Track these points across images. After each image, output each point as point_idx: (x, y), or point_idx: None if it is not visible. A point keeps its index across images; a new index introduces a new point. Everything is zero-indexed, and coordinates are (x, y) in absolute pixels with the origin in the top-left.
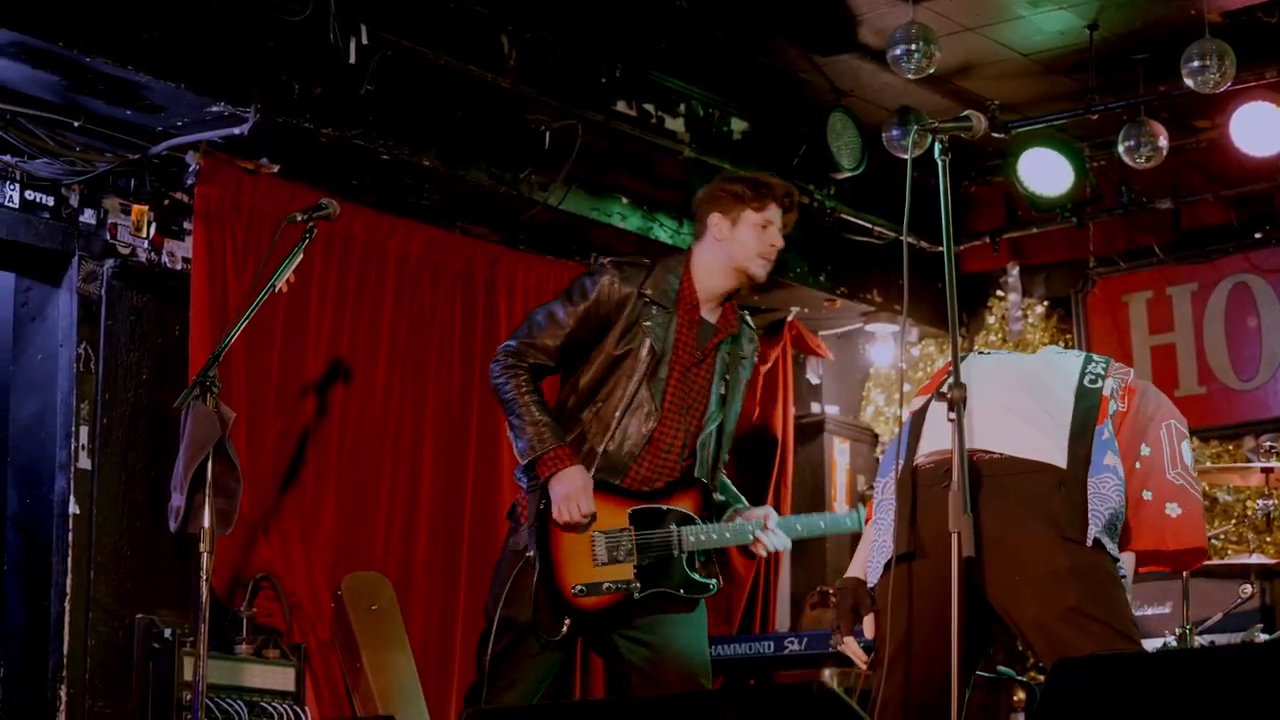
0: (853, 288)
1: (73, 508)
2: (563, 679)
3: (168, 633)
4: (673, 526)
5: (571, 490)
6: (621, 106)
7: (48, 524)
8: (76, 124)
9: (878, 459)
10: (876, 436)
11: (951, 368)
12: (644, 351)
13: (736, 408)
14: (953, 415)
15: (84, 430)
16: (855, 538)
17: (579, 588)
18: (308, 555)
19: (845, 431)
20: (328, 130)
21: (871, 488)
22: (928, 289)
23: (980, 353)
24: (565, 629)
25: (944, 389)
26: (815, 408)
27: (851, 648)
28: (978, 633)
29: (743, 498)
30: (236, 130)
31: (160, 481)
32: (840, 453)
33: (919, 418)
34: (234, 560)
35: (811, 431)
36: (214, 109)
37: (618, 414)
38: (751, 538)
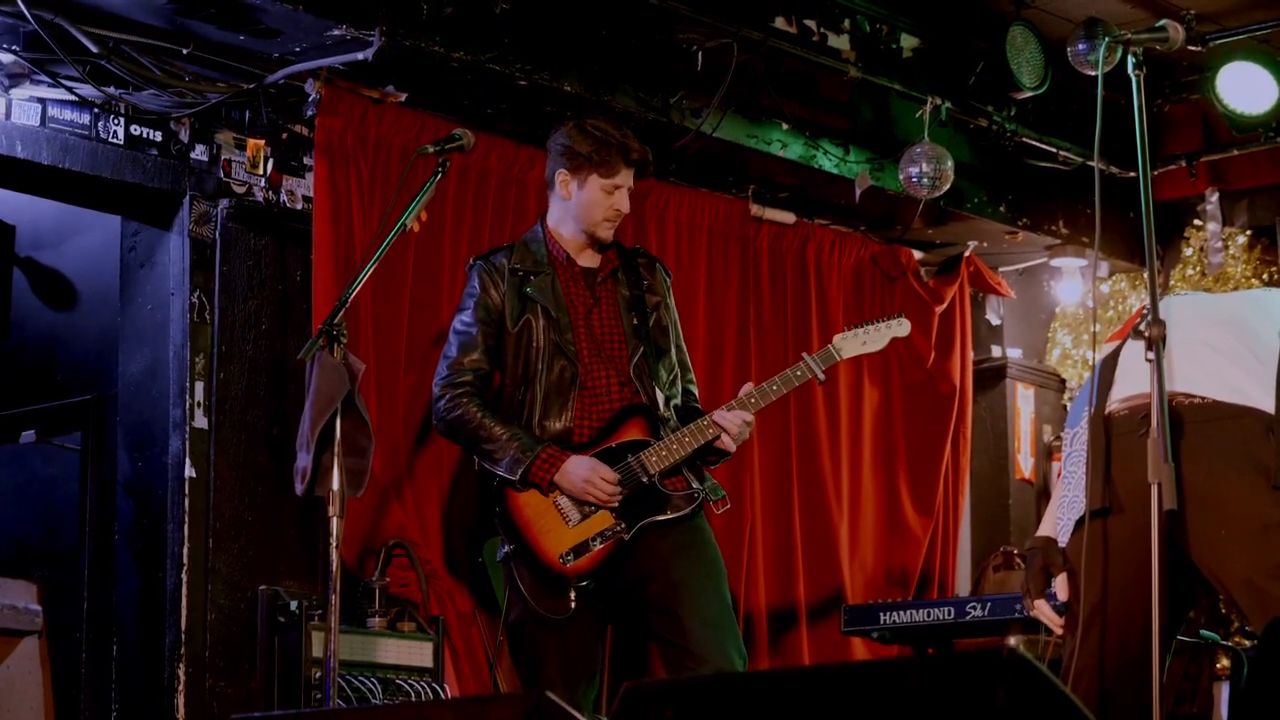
0: (1036, 219)
1: (189, 471)
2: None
3: (294, 605)
4: (629, 457)
5: (585, 474)
6: (780, 23)
7: (162, 488)
8: (185, 51)
9: (1065, 406)
10: (1064, 382)
11: (1148, 312)
12: (538, 317)
13: (671, 333)
14: (1151, 355)
15: (199, 386)
16: (1041, 495)
17: (566, 555)
18: (445, 519)
19: (1029, 377)
20: (460, 54)
21: (1059, 438)
22: (1119, 219)
23: (1177, 294)
24: (573, 602)
25: (1141, 327)
26: (996, 351)
27: (1044, 611)
28: (1179, 594)
29: None
30: (360, 55)
31: (284, 441)
32: (1024, 400)
33: (1111, 360)
34: (365, 526)
35: (992, 378)
36: (335, 32)
37: (540, 379)
38: (709, 428)
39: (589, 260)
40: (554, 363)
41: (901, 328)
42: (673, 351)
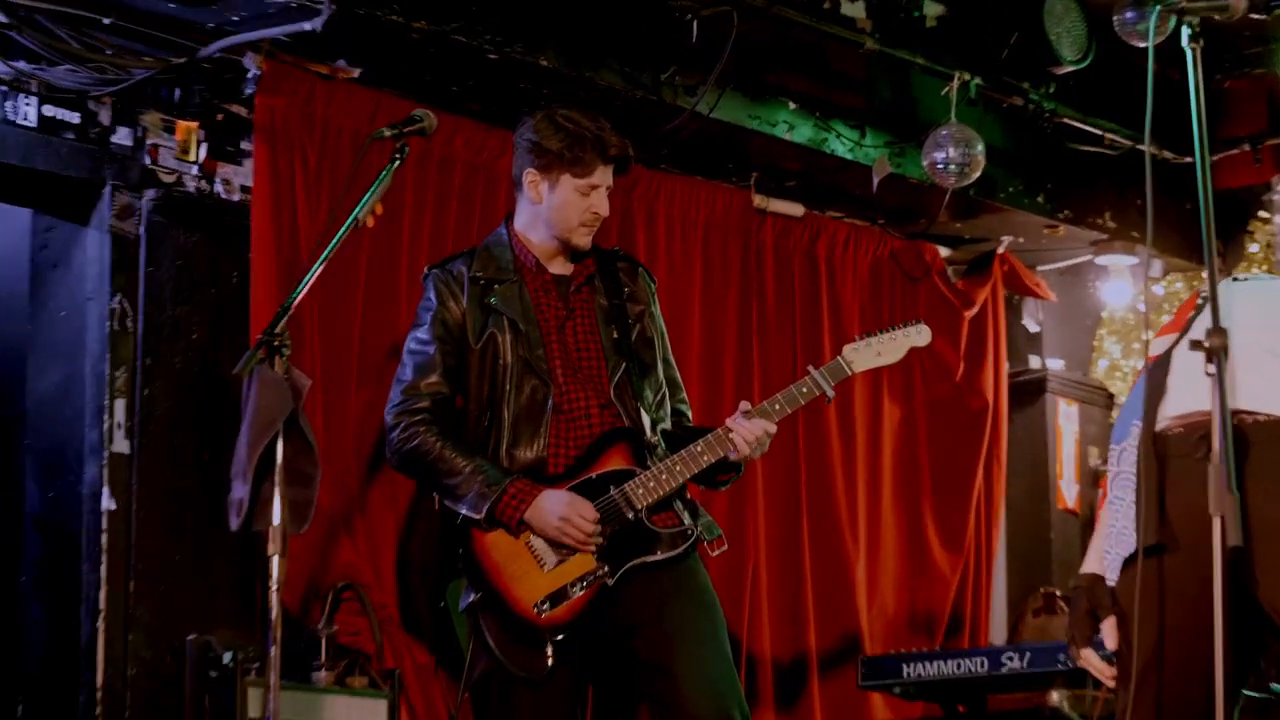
0: (1079, 211)
1: (107, 502)
2: None
3: (227, 657)
4: (612, 489)
5: (561, 511)
6: None
7: (76, 523)
8: (107, 21)
9: (1113, 424)
10: (1111, 397)
11: (1204, 301)
12: (504, 332)
13: (657, 347)
14: (1212, 368)
15: (120, 405)
16: (1086, 527)
17: (541, 604)
18: (402, 558)
19: (1072, 391)
20: (421, 24)
21: (1107, 462)
22: (1174, 210)
23: (1236, 279)
24: (550, 658)
25: (1197, 333)
26: (1034, 362)
27: (1091, 661)
28: (1246, 641)
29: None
30: (307, 25)
31: (217, 468)
32: (1066, 418)
33: (1163, 365)
34: (310, 565)
35: (1030, 392)
36: None
37: (509, 402)
38: (717, 444)
39: (561, 267)
40: (524, 383)
41: (920, 336)
42: (659, 368)
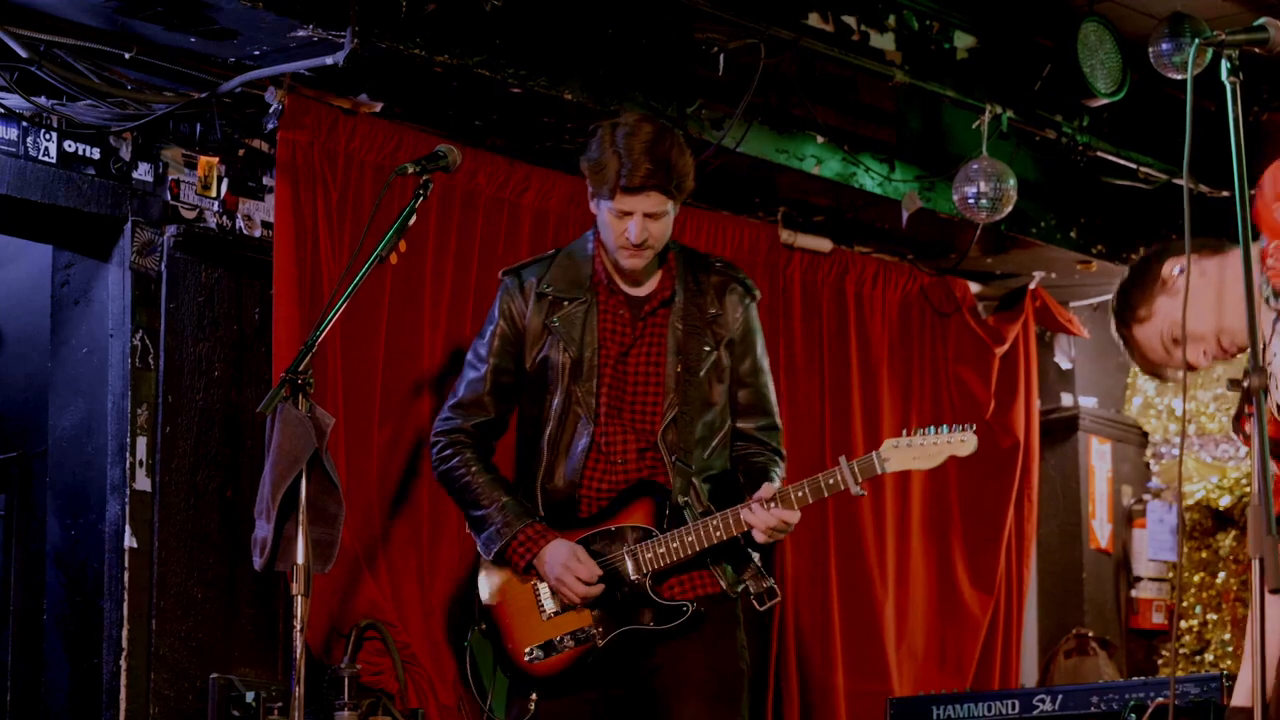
0: (1113, 246)
1: (129, 540)
2: None
3: (250, 697)
4: (624, 548)
5: (562, 562)
6: (815, 20)
7: (98, 561)
8: (128, 55)
9: (1148, 464)
10: (1145, 435)
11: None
12: (558, 355)
13: (733, 377)
14: (1250, 409)
15: (142, 442)
16: (1120, 568)
17: (533, 651)
18: (425, 597)
19: (1105, 429)
20: (444, 57)
21: (1140, 501)
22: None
23: None
24: (533, 705)
25: (1242, 377)
26: (1067, 399)
27: None
28: None
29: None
30: (329, 59)
31: (240, 506)
32: (1099, 457)
33: None
34: (333, 605)
35: (1062, 429)
36: (300, 33)
37: (548, 436)
38: (733, 526)
39: (633, 285)
40: (567, 417)
41: (965, 445)
42: (721, 405)
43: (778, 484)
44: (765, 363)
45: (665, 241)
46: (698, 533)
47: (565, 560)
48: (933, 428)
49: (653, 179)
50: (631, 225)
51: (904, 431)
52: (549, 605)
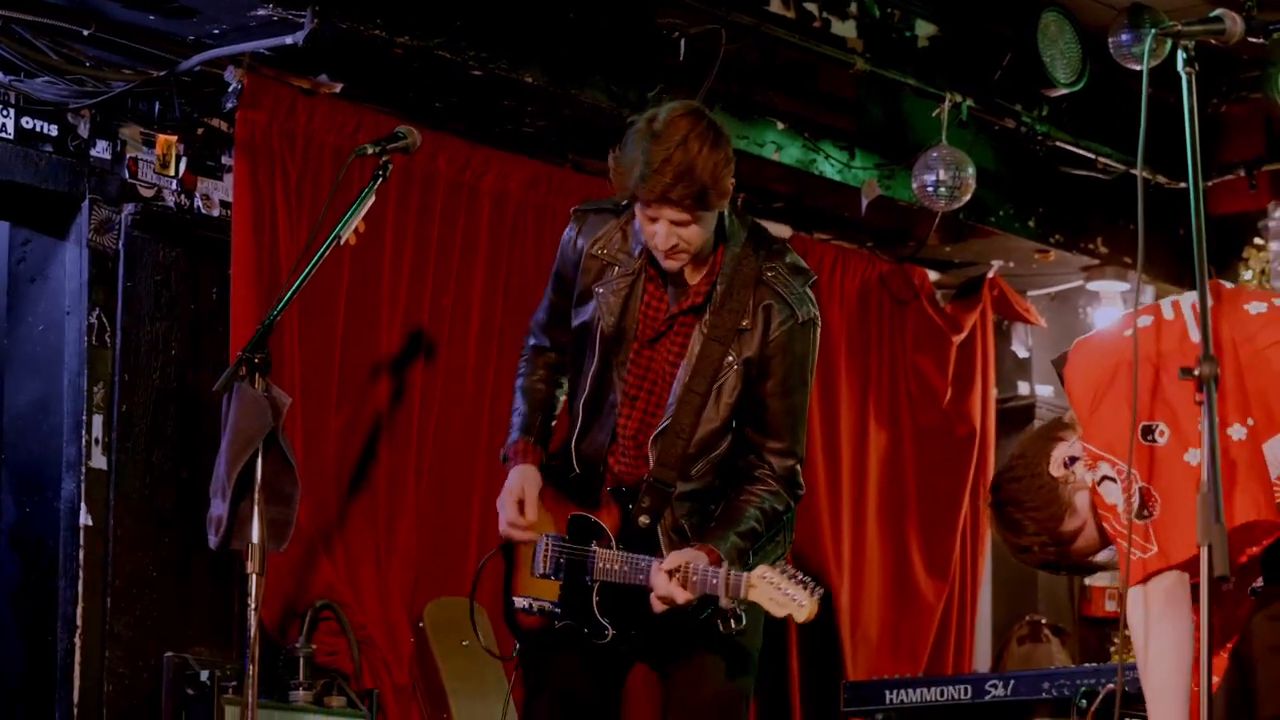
0: (1071, 235)
1: (84, 518)
2: None
3: (205, 675)
4: (593, 545)
5: (505, 490)
6: (776, 6)
7: (53, 539)
8: (86, 32)
9: None
10: None
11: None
12: (598, 321)
13: (749, 399)
14: (1201, 397)
15: (98, 420)
16: None
17: (519, 601)
18: (381, 577)
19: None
20: (404, 39)
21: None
22: (1167, 236)
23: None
24: (516, 650)
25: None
26: (1023, 388)
27: None
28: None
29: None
30: (289, 39)
31: (196, 485)
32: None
33: None
34: (288, 584)
35: (1019, 419)
36: (260, 12)
37: (584, 400)
38: (653, 573)
39: (691, 272)
40: (603, 386)
41: (804, 610)
42: (721, 425)
43: (699, 553)
44: (799, 387)
45: (701, 244)
46: (636, 566)
47: (512, 486)
48: (800, 576)
49: (671, 192)
50: (659, 229)
51: (777, 565)
52: (538, 565)
